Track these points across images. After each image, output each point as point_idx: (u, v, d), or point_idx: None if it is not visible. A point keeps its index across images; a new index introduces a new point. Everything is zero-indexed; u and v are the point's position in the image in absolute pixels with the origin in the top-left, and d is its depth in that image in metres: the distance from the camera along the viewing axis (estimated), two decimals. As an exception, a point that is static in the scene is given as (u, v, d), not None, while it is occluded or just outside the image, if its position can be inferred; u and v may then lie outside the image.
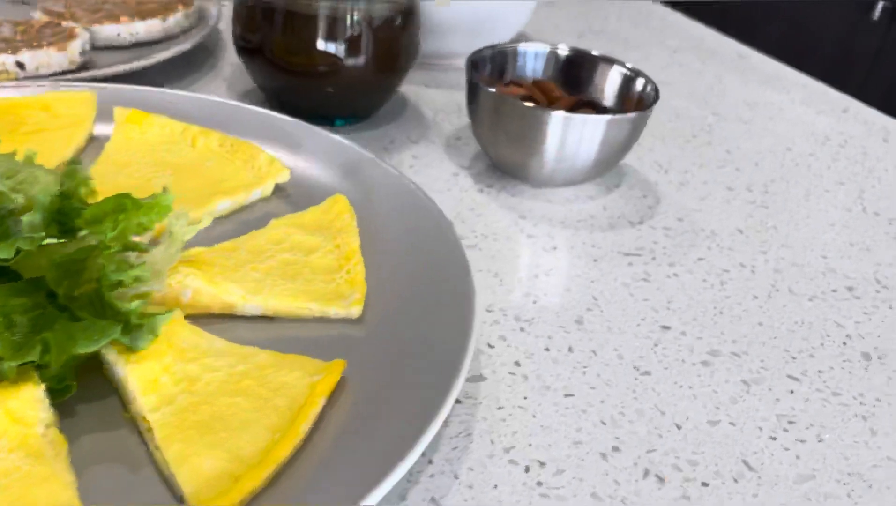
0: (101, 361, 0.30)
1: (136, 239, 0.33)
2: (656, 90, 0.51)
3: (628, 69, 0.53)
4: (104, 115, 0.47)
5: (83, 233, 0.32)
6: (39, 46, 0.50)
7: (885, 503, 0.32)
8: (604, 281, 0.43)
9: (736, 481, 0.32)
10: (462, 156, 0.54)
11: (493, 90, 0.48)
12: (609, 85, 0.54)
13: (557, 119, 0.46)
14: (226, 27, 0.66)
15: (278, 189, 0.44)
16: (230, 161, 0.44)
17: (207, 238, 0.39)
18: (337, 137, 0.47)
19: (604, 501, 0.31)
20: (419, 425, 0.29)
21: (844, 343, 0.41)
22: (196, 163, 0.44)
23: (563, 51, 0.55)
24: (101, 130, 0.46)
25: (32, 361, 0.28)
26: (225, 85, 0.59)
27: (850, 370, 0.39)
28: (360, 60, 0.52)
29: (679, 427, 0.34)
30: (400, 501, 0.29)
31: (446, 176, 0.52)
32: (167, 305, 0.33)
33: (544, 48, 0.55)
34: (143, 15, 0.58)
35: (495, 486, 0.31)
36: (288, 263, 0.37)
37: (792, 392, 0.37)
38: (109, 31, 0.57)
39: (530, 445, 0.33)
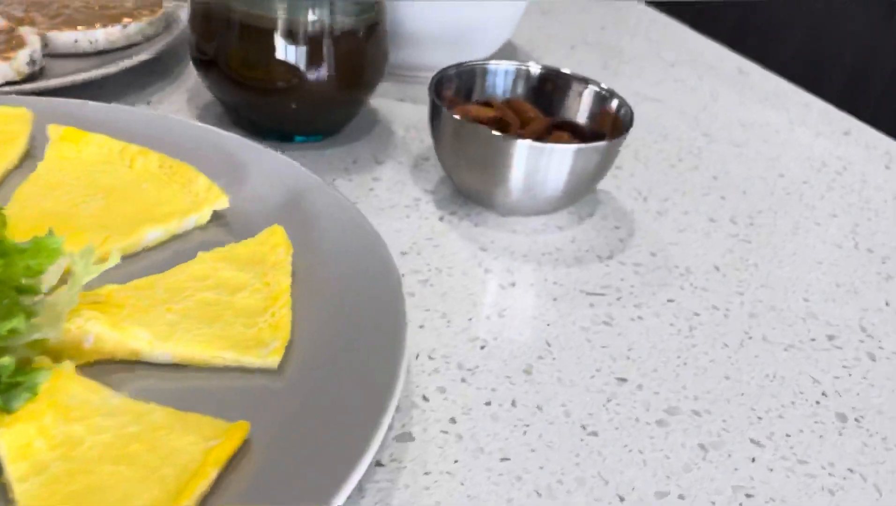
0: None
1: (37, 280, 0.30)
2: (631, 114, 0.48)
3: (603, 90, 0.50)
4: (44, 131, 0.44)
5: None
6: (-18, 57, 0.47)
7: None
8: (561, 324, 0.40)
9: (677, 567, 0.29)
10: (427, 179, 0.51)
11: (455, 115, 0.45)
12: (584, 105, 0.51)
13: (523, 148, 0.43)
14: (195, 34, 0.64)
15: (217, 216, 0.41)
16: (167, 184, 0.42)
17: (128, 272, 0.36)
18: (287, 160, 0.44)
19: (525, 589, 0.28)
20: (327, 495, 0.26)
21: (818, 402, 0.38)
22: (131, 185, 0.41)
23: (535, 69, 0.52)
24: (40, 147, 0.44)
25: None
26: (186, 97, 0.56)
27: (821, 434, 0.36)
28: (322, 76, 0.49)
29: (622, 499, 0.31)
30: (295, 585, 0.27)
31: (408, 201, 0.49)
32: (67, 353, 0.31)
33: (514, 66, 0.52)
34: (104, 21, 0.56)
35: (405, 568, 0.28)
36: (208, 304, 0.34)
37: (753, 460, 0.34)
38: (66, 38, 0.55)
39: (453, 518, 0.30)
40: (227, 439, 0.28)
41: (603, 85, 0.50)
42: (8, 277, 0.28)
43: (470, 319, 0.40)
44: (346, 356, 0.32)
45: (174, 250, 0.39)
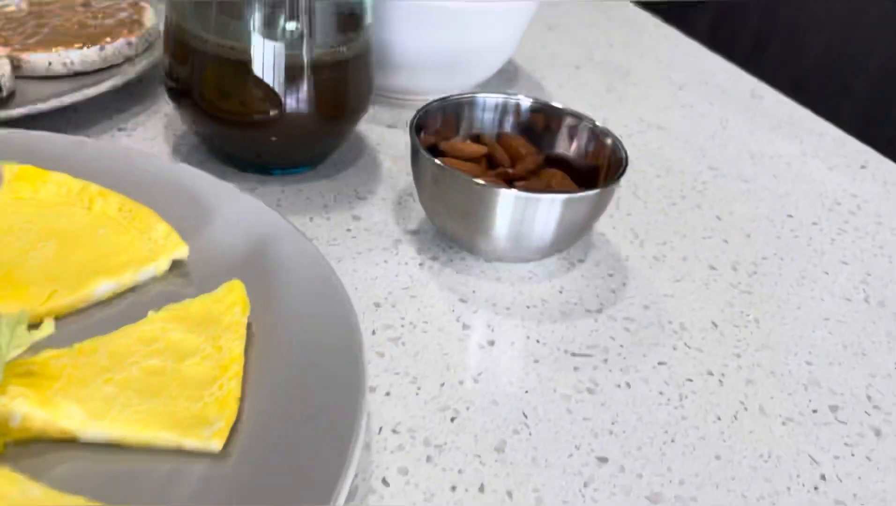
0: None
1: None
2: (626, 157, 0.45)
3: (598, 128, 0.47)
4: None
5: None
6: (-57, 83, 0.45)
7: None
8: (541, 391, 0.37)
9: None
10: (410, 218, 0.49)
11: (437, 159, 0.42)
12: (578, 141, 0.48)
13: (507, 198, 0.40)
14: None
15: (177, 264, 0.39)
16: (126, 230, 0.39)
17: (75, 329, 0.34)
18: (258, 203, 0.42)
19: None
20: None
21: (816, 487, 0.35)
22: (87, 231, 0.39)
23: (525, 102, 0.49)
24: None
25: None
26: (163, 122, 0.54)
27: (817, 527, 0.33)
28: (302, 109, 0.46)
29: None
30: None
31: (387, 243, 0.46)
32: (-10, 432, 0.28)
33: (503, 99, 0.49)
34: (80, 42, 0.53)
35: None
36: (153, 373, 0.32)
37: (740, 559, 0.31)
38: (39, 60, 0.52)
39: None
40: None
41: (598, 123, 0.47)
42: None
43: (442, 385, 0.37)
44: (296, 438, 0.30)
45: (128, 303, 0.37)
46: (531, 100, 0.49)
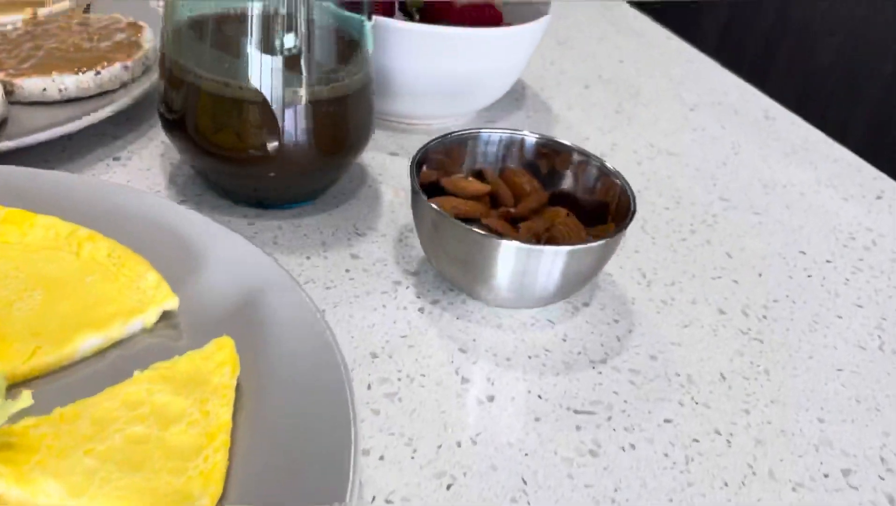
0: None
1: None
2: (633, 201, 0.43)
3: (605, 168, 0.45)
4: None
5: None
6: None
7: None
8: (542, 453, 0.36)
9: None
10: (410, 257, 0.47)
11: (435, 205, 0.40)
12: (585, 178, 0.47)
13: (509, 250, 0.39)
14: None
15: (166, 315, 0.37)
16: (114, 278, 0.38)
17: (57, 389, 0.33)
18: (252, 248, 0.40)
19: None
20: None
21: (826, 563, 0.33)
22: (75, 278, 0.38)
23: (531, 138, 0.48)
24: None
25: None
26: (160, 150, 0.53)
27: None
28: (301, 145, 0.45)
29: None
30: None
31: (386, 286, 0.45)
32: (-36, 511, 0.27)
33: (508, 135, 0.48)
34: (75, 67, 0.52)
35: None
36: (137, 441, 0.31)
37: None
38: (34, 85, 0.51)
39: None
40: None
41: (608, 165, 0.45)
42: None
43: (439, 447, 0.36)
44: (283, 517, 0.29)
45: (115, 357, 0.36)
46: (536, 136, 0.48)
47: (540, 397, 0.39)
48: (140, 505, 0.28)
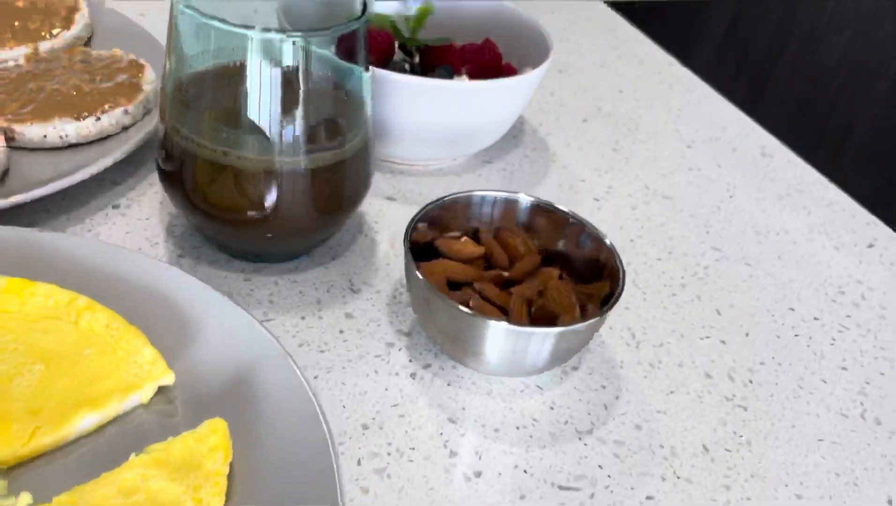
0: None
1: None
2: (623, 275, 0.44)
3: (599, 239, 0.46)
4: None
5: None
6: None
7: None
8: (524, 534, 0.37)
9: None
10: (404, 316, 0.48)
11: (426, 281, 0.41)
12: (578, 240, 0.47)
13: (498, 330, 0.39)
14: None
15: (162, 389, 0.38)
16: (112, 351, 0.39)
17: (54, 470, 0.34)
18: (246, 318, 0.41)
19: None
20: None
21: None
22: (73, 351, 0.39)
23: (525, 201, 0.48)
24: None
25: None
26: (160, 196, 0.53)
27: None
28: (298, 208, 0.46)
29: None
30: None
31: (379, 349, 0.45)
32: None
33: (504, 196, 0.48)
34: (76, 112, 0.52)
35: None
36: (132, 533, 0.32)
37: None
38: (35, 132, 0.52)
39: None
40: None
41: (606, 240, 0.46)
42: None
43: (425, 528, 0.37)
44: None
45: (112, 435, 0.37)
46: (531, 199, 0.48)
47: (526, 471, 0.40)
48: None
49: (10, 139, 0.52)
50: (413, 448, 0.40)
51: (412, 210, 0.52)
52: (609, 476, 0.41)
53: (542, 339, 0.40)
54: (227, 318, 0.41)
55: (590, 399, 0.45)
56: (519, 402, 0.44)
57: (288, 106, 0.43)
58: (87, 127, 0.53)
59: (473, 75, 0.62)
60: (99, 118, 0.53)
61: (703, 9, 2.15)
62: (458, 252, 0.47)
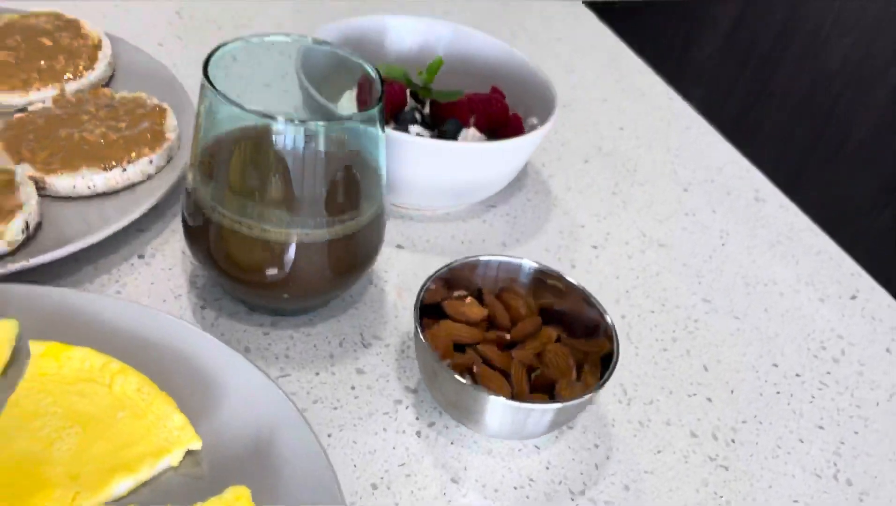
0: None
1: None
2: (617, 346, 0.47)
3: (599, 311, 0.49)
4: (27, 318, 0.45)
5: None
6: (-27, 235, 0.48)
7: None
8: (519, 594, 0.41)
9: None
10: (411, 371, 0.51)
11: (433, 352, 0.44)
12: (576, 302, 0.50)
13: (497, 403, 0.43)
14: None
15: (190, 452, 0.42)
16: (143, 414, 0.42)
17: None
18: (266, 381, 0.44)
19: None
20: None
21: None
22: (108, 414, 0.42)
23: (530, 266, 0.51)
24: (23, 346, 0.44)
25: None
26: (182, 245, 0.56)
27: None
28: (314, 273, 0.49)
29: None
30: None
31: (387, 406, 0.49)
32: None
33: (506, 261, 0.51)
34: (103, 163, 0.55)
35: None
36: None
37: None
38: (64, 183, 0.54)
39: None
40: None
41: (606, 314, 0.49)
42: None
43: (428, 589, 0.40)
44: None
45: (145, 496, 0.40)
46: (533, 264, 0.51)
47: (521, 532, 0.44)
48: None
49: (40, 187, 0.54)
50: (418, 508, 0.44)
51: (420, 258, 0.56)
52: (598, 537, 0.44)
53: (541, 413, 0.43)
54: (249, 380, 0.44)
55: (583, 458, 0.48)
56: (517, 461, 0.47)
57: (308, 182, 0.45)
58: (114, 178, 0.55)
59: (481, 126, 0.64)
60: (125, 169, 0.56)
61: (710, 4, 2.16)
62: (462, 314, 0.50)
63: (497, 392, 0.44)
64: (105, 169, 0.55)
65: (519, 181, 0.71)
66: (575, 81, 0.89)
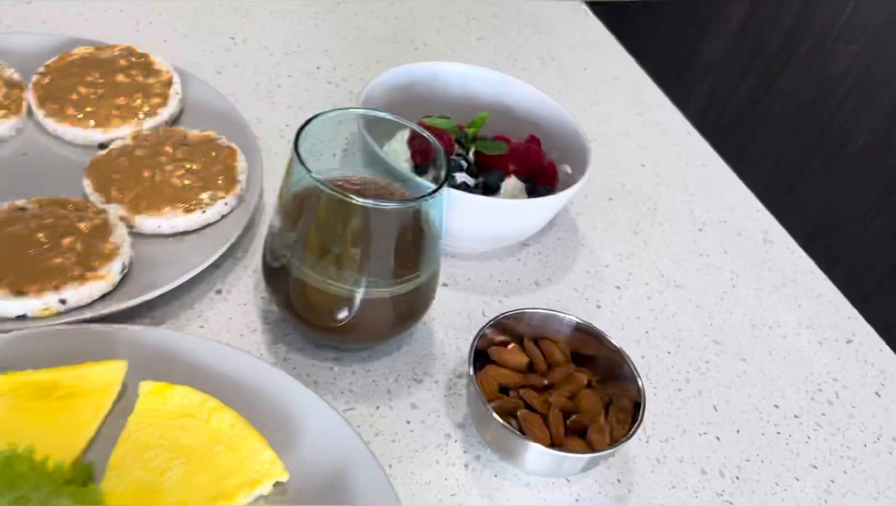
0: None
1: None
2: (643, 399, 0.54)
3: (633, 370, 0.56)
4: (132, 356, 0.51)
5: None
6: (82, 278, 0.54)
7: None
8: None
9: None
10: (459, 405, 0.58)
11: (483, 397, 0.51)
12: (612, 366, 0.57)
13: (536, 450, 0.50)
14: (270, 205, 0.69)
15: (278, 482, 0.49)
16: (237, 448, 0.49)
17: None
18: (340, 421, 0.51)
19: None
20: None
21: None
22: (207, 447, 0.49)
23: (571, 320, 0.58)
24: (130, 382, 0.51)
25: None
26: (253, 280, 0.63)
27: None
28: (378, 322, 0.55)
29: None
30: None
31: (439, 439, 0.56)
32: None
33: (550, 313, 0.58)
34: (184, 205, 0.61)
35: None
36: None
37: None
38: (150, 224, 0.61)
39: None
40: None
41: (635, 368, 0.56)
42: None
43: None
44: None
45: (240, 522, 0.47)
46: (574, 320, 0.58)
47: (555, 558, 0.51)
48: None
49: (128, 227, 0.61)
50: (468, 535, 0.51)
51: (462, 296, 0.62)
52: (620, 564, 0.52)
53: (575, 460, 0.50)
54: (324, 417, 0.51)
55: (607, 492, 0.56)
56: (551, 493, 0.54)
57: (378, 249, 0.52)
58: (195, 219, 0.62)
59: (519, 174, 0.71)
60: (205, 211, 0.62)
61: (720, 4, 2.20)
62: (506, 362, 0.57)
63: (538, 438, 0.51)
64: (187, 211, 0.62)
65: (549, 220, 0.77)
66: (600, 115, 0.95)
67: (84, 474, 0.46)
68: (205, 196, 0.63)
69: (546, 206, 0.65)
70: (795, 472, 0.61)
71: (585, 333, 0.58)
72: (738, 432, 0.62)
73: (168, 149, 0.67)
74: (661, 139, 0.94)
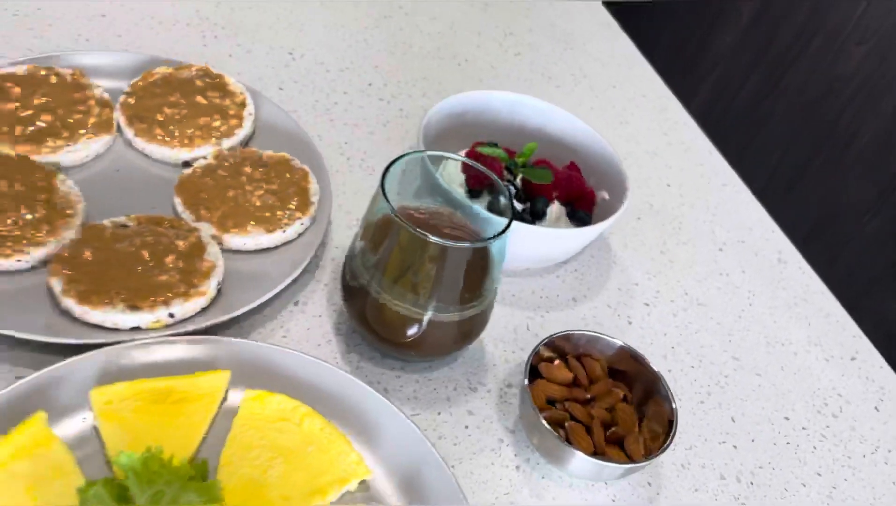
0: None
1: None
2: (676, 418, 0.62)
3: (668, 391, 0.63)
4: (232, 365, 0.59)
5: None
6: (186, 295, 0.61)
7: None
8: None
9: None
10: (510, 412, 0.66)
11: (536, 408, 0.59)
12: (649, 385, 0.65)
13: (580, 458, 0.58)
14: (336, 222, 0.75)
15: (361, 481, 0.57)
16: (326, 450, 0.57)
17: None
18: (413, 429, 0.58)
19: None
20: None
21: None
22: (301, 448, 0.56)
23: (615, 342, 0.66)
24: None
25: None
26: (326, 294, 0.70)
27: None
28: (439, 343, 0.63)
29: None
30: None
31: (493, 443, 0.64)
32: None
33: (591, 335, 0.66)
34: (266, 225, 0.69)
35: None
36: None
37: None
38: (237, 242, 0.68)
39: None
40: None
41: (672, 392, 0.63)
42: None
43: (532, 591, 0.56)
44: None
45: (331, 512, 0.55)
46: (618, 343, 0.66)
47: (595, 551, 0.59)
48: None
49: (218, 243, 0.68)
50: (521, 529, 0.59)
51: (508, 311, 0.70)
52: (651, 558, 0.60)
53: (615, 468, 0.58)
54: (396, 422, 0.59)
55: (639, 494, 0.64)
56: (591, 495, 0.62)
57: (448, 279, 0.59)
58: (277, 237, 0.69)
59: (562, 199, 0.78)
60: (285, 230, 0.69)
61: (731, 1, 2.25)
62: (553, 377, 0.65)
63: (583, 447, 0.59)
64: (269, 231, 0.69)
65: (585, 238, 0.84)
66: (629, 134, 1.02)
67: (202, 470, 0.53)
68: (283, 216, 0.70)
69: (590, 234, 0.72)
70: (802, 478, 0.69)
71: (628, 354, 0.65)
72: (752, 441, 0.70)
73: (248, 169, 0.73)
74: (685, 158, 1.01)
